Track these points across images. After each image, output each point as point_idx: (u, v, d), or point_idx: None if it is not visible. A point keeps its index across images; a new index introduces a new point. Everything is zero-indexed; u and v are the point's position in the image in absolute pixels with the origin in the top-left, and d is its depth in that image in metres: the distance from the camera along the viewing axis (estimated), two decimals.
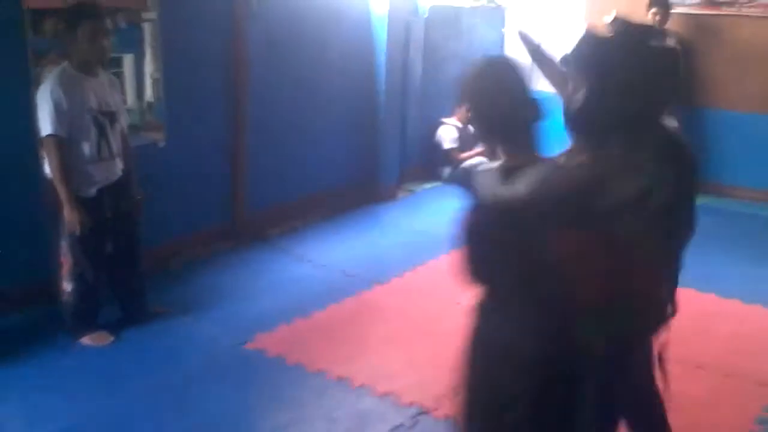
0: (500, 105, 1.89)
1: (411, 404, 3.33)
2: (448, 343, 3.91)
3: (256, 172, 5.29)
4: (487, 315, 1.99)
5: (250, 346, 3.78)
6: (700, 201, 6.23)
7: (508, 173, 1.84)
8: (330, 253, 5.12)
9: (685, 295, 4.73)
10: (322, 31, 5.76)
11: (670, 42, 6.48)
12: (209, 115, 4.99)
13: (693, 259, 5.37)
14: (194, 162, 4.90)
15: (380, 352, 3.80)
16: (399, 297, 4.48)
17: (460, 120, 7.09)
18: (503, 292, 1.93)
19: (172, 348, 3.78)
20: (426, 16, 6.84)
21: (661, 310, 2.29)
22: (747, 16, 6.78)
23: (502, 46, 8.03)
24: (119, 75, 4.40)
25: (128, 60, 4.60)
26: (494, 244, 1.88)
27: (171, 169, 4.67)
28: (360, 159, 6.34)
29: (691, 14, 6.99)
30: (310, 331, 3.99)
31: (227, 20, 4.97)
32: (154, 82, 4.64)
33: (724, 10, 6.87)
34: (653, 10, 6.54)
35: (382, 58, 6.22)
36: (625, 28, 2.16)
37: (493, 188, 1.87)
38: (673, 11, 6.72)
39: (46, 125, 3.49)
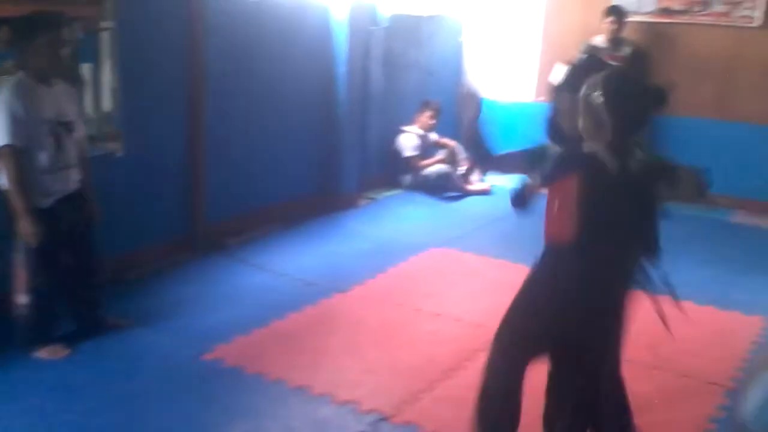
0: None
1: (370, 411, 3.33)
2: (407, 350, 3.95)
3: (215, 181, 5.27)
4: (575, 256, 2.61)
5: (208, 357, 3.75)
6: None
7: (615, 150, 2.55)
8: (290, 262, 5.11)
9: (640, 298, 4.81)
10: (281, 40, 5.77)
11: (626, 50, 6.62)
12: (167, 125, 4.96)
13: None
14: (152, 172, 4.86)
15: (340, 361, 3.80)
16: (359, 305, 4.49)
17: (420, 127, 7.15)
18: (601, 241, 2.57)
19: (129, 360, 3.73)
20: (386, 25, 6.89)
21: None
22: (700, 24, 6.95)
23: (460, 55, 8.12)
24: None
25: (85, 70, 4.56)
26: (609, 203, 2.55)
27: (129, 179, 4.63)
28: (320, 167, 6.35)
29: (646, 22, 7.14)
30: (269, 341, 3.97)
31: (185, 29, 4.95)
32: (112, 91, 4.60)
33: (678, 18, 7.03)
34: (609, 18, 6.67)
35: (342, 67, 6.24)
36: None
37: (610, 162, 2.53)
38: (628, 19, 6.86)
39: (2, 135, 3.44)
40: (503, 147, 7.59)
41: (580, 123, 2.63)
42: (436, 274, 5.03)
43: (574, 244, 2.58)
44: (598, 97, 2.53)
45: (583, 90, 2.60)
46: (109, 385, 3.48)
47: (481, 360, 3.81)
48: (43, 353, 3.71)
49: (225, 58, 5.25)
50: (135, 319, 4.11)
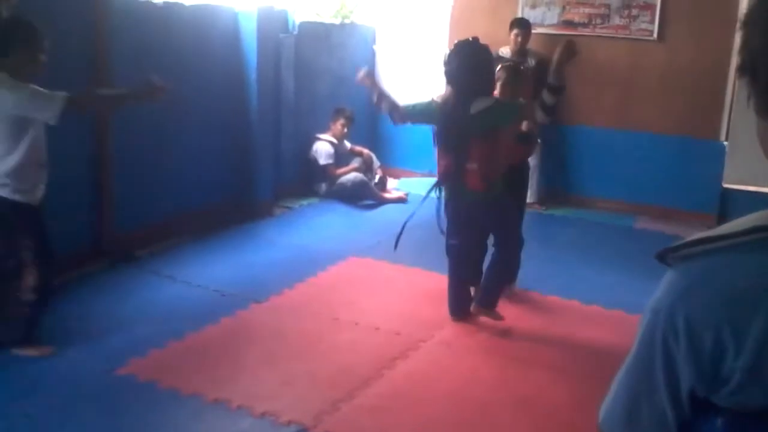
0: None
1: (290, 423, 3.30)
2: (326, 360, 3.94)
3: (124, 192, 5.12)
4: None
5: (121, 372, 3.63)
6: (563, 212, 6.72)
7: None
8: (205, 272, 5.01)
9: (550, 303, 4.97)
10: (190, 46, 5.67)
11: (531, 61, 6.81)
12: (72, 134, 4.77)
13: (557, 268, 5.64)
14: (57, 181, 4.65)
15: (258, 372, 3.76)
16: (277, 315, 4.44)
17: (333, 135, 7.14)
18: None
19: (36, 377, 3.57)
20: (296, 32, 6.87)
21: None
22: (601, 36, 7.21)
23: (373, 63, 8.18)
24: None
25: None
26: None
27: None
28: (234, 176, 6.26)
29: (549, 34, 7.36)
30: (184, 354, 3.89)
31: (89, 34, 4.81)
32: None
33: (581, 31, 7.27)
34: (515, 31, 6.83)
35: (253, 75, 6.18)
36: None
37: None
38: (533, 31, 7.05)
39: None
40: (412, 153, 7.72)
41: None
42: (354, 283, 5.03)
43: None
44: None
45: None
46: (16, 404, 3.33)
47: (399, 368, 3.86)
48: (32, 351, 3.75)
49: (131, 63, 5.12)
50: (42, 335, 3.95)
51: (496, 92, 4.42)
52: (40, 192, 3.71)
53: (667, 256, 1.05)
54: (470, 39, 4.19)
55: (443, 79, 4.30)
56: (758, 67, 0.94)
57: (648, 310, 1.07)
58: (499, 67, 4.58)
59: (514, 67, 4.83)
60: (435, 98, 4.31)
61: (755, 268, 0.95)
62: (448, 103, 4.18)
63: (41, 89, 3.48)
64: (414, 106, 4.35)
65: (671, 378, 1.04)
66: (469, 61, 4.11)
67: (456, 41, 4.26)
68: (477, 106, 4.08)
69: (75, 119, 4.75)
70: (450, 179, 4.24)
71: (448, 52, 4.27)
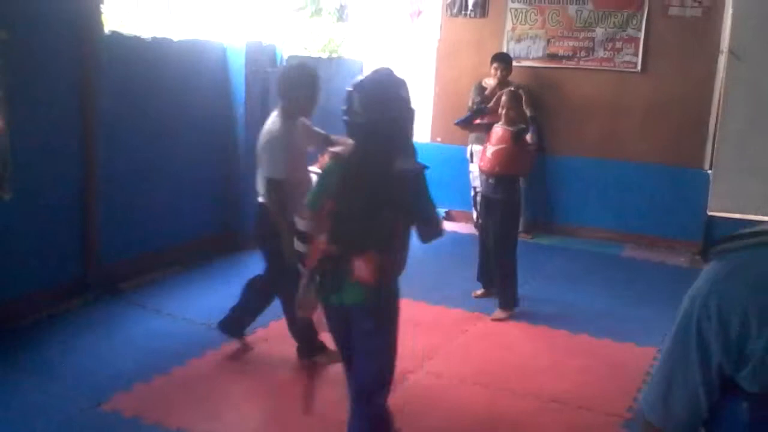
0: None
1: None
2: (316, 392, 3.88)
3: (111, 224, 5.10)
4: None
5: (105, 407, 3.58)
6: (550, 241, 6.71)
7: None
8: (191, 305, 4.97)
9: (538, 333, 4.97)
10: (179, 80, 5.69)
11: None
12: (58, 166, 4.78)
13: (545, 298, 5.64)
14: (42, 214, 4.67)
15: (244, 407, 3.72)
16: (264, 348, 4.40)
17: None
18: None
19: (20, 413, 3.51)
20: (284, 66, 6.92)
21: None
22: (585, 69, 7.29)
23: None
24: None
25: None
26: None
27: (17, 223, 4.44)
28: (221, 208, 6.26)
29: (534, 67, 7.44)
30: (170, 388, 3.84)
31: (76, 70, 4.82)
32: None
33: (564, 63, 7.36)
34: (495, 65, 6.91)
35: (241, 108, 6.21)
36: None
37: None
38: (518, 64, 7.13)
39: None
40: None
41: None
42: None
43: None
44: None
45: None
46: None
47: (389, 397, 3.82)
48: (322, 359, 4.03)
49: (120, 96, 5.14)
50: (26, 369, 3.91)
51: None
52: None
53: (708, 252, 1.25)
54: None
55: None
56: None
57: (686, 297, 1.25)
58: (503, 91, 5.27)
59: (514, 92, 5.24)
60: None
61: None
62: None
63: (283, 147, 4.02)
64: None
65: (704, 356, 1.20)
66: None
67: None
68: None
69: (60, 149, 4.77)
70: None
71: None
